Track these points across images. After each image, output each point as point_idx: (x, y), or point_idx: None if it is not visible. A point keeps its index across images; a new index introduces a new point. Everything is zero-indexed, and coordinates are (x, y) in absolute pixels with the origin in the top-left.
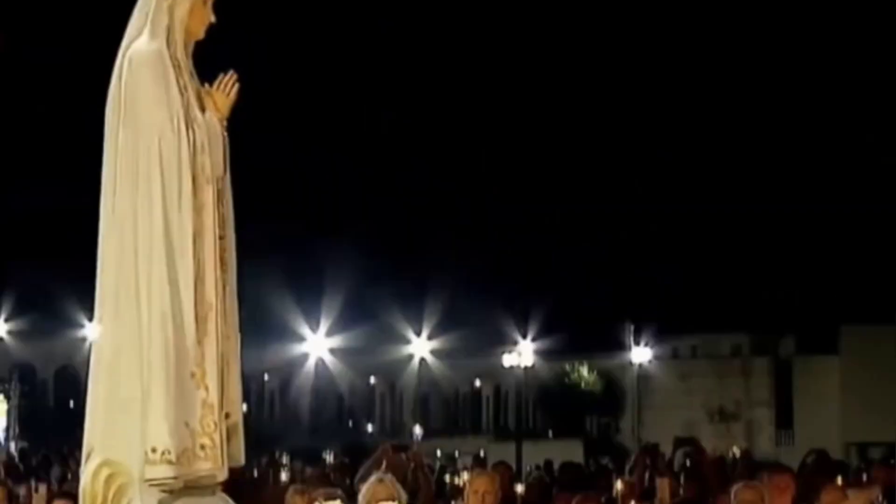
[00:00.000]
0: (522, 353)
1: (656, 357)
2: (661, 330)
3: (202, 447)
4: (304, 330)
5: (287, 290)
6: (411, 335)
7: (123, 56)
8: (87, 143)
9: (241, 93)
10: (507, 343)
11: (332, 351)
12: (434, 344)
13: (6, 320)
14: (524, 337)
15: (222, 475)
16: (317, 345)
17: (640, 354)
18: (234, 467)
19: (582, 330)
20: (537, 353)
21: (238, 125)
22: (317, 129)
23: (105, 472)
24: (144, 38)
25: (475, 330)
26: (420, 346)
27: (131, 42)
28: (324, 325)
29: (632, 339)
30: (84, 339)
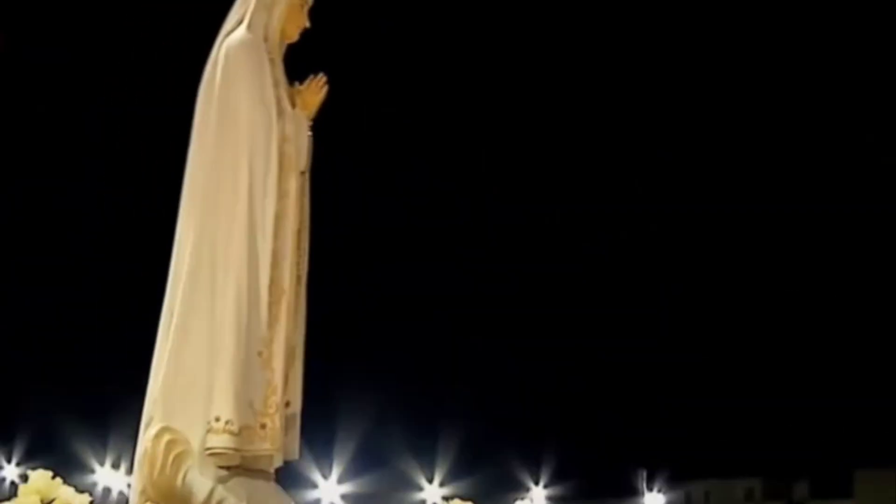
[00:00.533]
0: (535, 500)
1: (669, 503)
2: (674, 475)
3: (262, 426)
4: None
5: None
6: (423, 482)
7: (220, 45)
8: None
9: (329, 94)
10: (520, 490)
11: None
12: (446, 490)
13: (17, 464)
14: (536, 483)
15: (279, 460)
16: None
17: (654, 500)
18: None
19: (594, 476)
20: (549, 499)
21: None
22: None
23: (166, 437)
24: (242, 30)
25: (488, 476)
26: (432, 493)
27: (228, 34)
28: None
29: (644, 484)
30: (95, 484)
